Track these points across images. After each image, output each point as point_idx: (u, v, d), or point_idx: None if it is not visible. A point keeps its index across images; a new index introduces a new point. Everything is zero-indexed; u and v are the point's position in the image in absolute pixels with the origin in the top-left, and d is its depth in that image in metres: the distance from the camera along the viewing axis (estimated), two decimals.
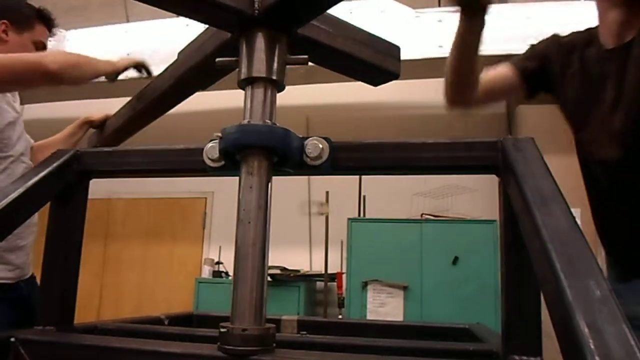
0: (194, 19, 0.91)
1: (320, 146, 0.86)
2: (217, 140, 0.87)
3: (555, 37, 1.45)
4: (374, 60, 1.02)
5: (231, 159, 0.85)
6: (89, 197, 1.08)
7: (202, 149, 0.92)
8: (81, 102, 5.61)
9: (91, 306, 5.49)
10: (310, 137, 0.87)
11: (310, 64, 1.01)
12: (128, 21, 5.15)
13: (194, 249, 5.52)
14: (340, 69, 1.08)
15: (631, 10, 1.21)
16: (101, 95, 5.46)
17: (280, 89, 0.87)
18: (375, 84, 1.12)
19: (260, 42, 0.84)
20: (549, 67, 1.37)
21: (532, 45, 1.47)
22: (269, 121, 0.83)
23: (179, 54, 1.17)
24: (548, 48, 1.42)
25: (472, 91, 1.32)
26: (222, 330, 0.74)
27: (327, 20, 0.96)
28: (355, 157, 0.91)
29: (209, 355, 0.74)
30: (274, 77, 0.85)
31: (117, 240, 5.81)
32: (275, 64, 0.85)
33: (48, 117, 6.01)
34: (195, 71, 1.09)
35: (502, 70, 1.40)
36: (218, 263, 5.11)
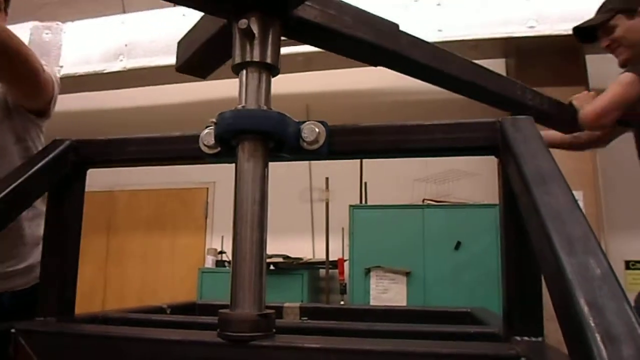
0: (189, 6, 0.89)
1: (317, 130, 0.85)
2: (212, 127, 0.86)
3: None
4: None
5: (227, 145, 0.84)
6: (91, 189, 1.08)
7: (199, 136, 0.91)
8: (82, 94, 5.60)
9: (95, 298, 5.51)
10: (306, 121, 0.86)
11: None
12: (124, 12, 5.11)
13: (196, 239, 5.53)
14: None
15: None
16: (99, 88, 5.45)
17: (275, 73, 0.86)
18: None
19: (253, 26, 0.83)
20: None
21: None
22: (264, 106, 0.82)
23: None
24: None
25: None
26: (221, 316, 0.74)
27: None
28: (352, 140, 0.90)
29: (209, 341, 0.74)
30: (268, 61, 0.83)
31: (119, 232, 5.82)
32: (269, 48, 0.84)
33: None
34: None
35: None
36: (221, 252, 5.13)
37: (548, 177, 0.66)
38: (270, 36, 0.83)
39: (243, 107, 0.81)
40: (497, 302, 0.96)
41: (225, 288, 0.77)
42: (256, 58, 0.82)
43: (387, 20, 1.00)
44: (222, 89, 4.34)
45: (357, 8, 0.96)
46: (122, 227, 5.83)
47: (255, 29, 0.82)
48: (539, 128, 0.82)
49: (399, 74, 1.08)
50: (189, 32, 1.05)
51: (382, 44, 0.98)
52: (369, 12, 0.97)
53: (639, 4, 1.95)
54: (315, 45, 1.00)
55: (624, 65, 1.96)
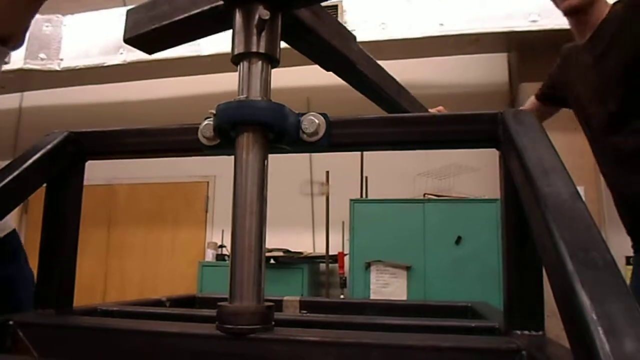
0: None
1: (317, 122, 0.84)
2: (212, 118, 0.85)
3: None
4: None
5: (226, 137, 0.83)
6: (91, 183, 1.06)
7: (197, 128, 0.90)
8: (81, 88, 5.59)
9: (96, 292, 5.53)
10: (306, 112, 0.85)
11: None
12: (125, 5, 5.09)
13: (197, 233, 5.54)
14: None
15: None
16: (99, 81, 5.44)
17: (275, 65, 0.85)
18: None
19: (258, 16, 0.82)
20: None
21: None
22: (264, 97, 0.81)
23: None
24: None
25: None
26: (220, 309, 0.73)
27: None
28: (352, 132, 0.89)
29: (207, 334, 0.74)
30: (272, 53, 0.83)
31: (120, 226, 5.83)
32: (273, 40, 0.83)
33: (48, 104, 6.00)
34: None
35: None
36: (221, 246, 5.13)
37: (550, 170, 0.65)
38: (274, 28, 0.83)
39: (243, 98, 0.80)
40: (498, 297, 0.95)
41: (225, 282, 0.76)
42: (261, 49, 0.81)
43: (348, 30, 1.10)
44: (221, 82, 4.34)
45: (331, 15, 1.03)
46: (123, 221, 5.84)
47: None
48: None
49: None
50: (150, 4, 1.03)
51: (346, 54, 1.06)
52: (337, 20, 1.05)
53: None
54: (293, 46, 1.02)
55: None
